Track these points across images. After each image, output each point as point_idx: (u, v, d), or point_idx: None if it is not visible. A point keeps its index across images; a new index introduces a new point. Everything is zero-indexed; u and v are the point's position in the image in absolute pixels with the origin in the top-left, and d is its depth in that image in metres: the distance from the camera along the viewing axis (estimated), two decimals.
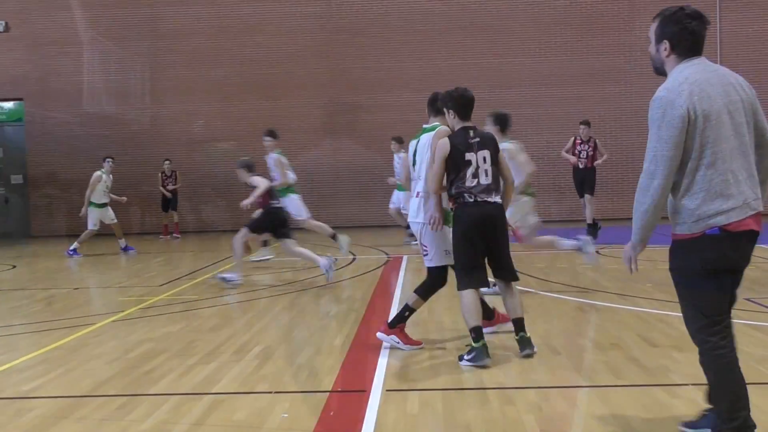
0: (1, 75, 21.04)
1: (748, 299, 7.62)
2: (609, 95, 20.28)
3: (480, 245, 5.59)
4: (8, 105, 21.52)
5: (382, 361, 5.56)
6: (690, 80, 3.38)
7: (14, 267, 11.21)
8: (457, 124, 5.72)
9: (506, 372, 5.19)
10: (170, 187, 18.87)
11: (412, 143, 6.10)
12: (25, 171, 20.67)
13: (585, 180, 14.58)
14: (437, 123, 5.97)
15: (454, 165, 5.58)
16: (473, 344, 5.38)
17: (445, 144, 5.61)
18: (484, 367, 5.31)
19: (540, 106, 20.24)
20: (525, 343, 5.61)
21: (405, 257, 11.41)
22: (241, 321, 7.42)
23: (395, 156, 14.23)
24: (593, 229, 13.81)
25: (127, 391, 5.01)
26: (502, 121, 8.17)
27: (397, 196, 13.90)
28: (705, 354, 3.50)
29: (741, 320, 6.65)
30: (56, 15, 20.79)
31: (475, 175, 5.55)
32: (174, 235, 18.66)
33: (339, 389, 4.89)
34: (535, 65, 20.40)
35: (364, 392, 4.77)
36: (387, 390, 4.80)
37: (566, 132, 20.35)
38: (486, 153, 5.61)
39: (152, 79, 20.75)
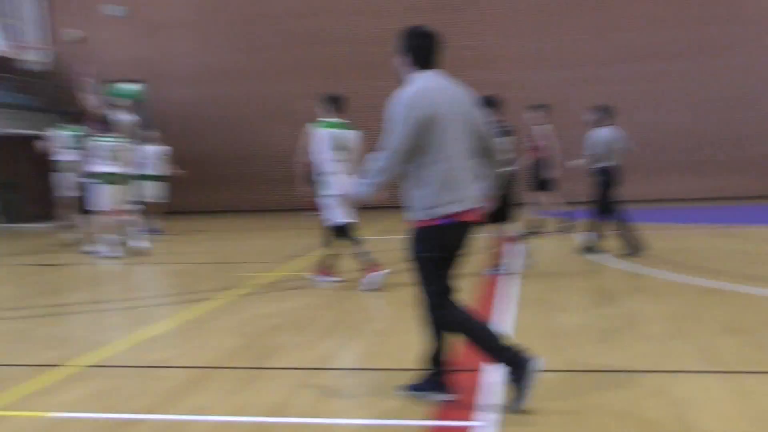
0: (123, 58, 22.10)
1: None
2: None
3: None
4: (134, 87, 22.60)
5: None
6: (427, 88, 3.98)
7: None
8: None
9: (618, 354, 5.07)
10: None
11: (325, 132, 7.95)
12: None
13: None
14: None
15: None
16: None
17: None
18: None
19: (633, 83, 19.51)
20: None
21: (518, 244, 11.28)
22: (352, 300, 7.56)
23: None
24: None
25: (252, 364, 5.21)
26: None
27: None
28: (446, 317, 4.04)
29: None
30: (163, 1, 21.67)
31: None
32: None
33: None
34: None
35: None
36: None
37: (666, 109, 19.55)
38: None
39: (262, 59, 21.30)
